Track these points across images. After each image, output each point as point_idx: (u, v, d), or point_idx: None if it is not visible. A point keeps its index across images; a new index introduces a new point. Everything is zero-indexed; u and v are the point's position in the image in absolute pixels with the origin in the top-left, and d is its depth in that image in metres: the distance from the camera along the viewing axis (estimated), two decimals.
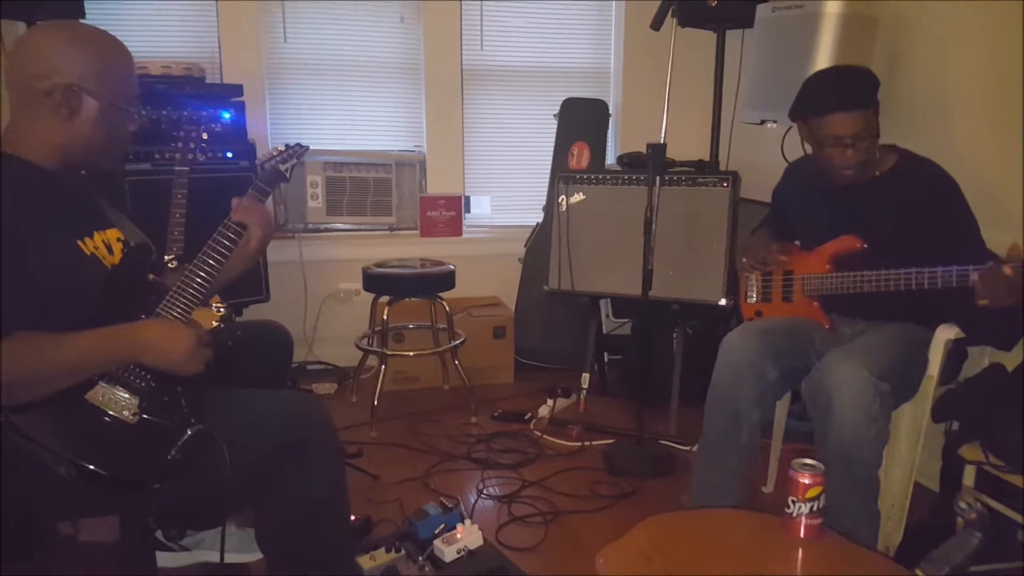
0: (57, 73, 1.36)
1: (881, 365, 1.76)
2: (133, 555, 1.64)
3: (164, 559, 1.91)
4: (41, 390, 1.26)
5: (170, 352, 1.35)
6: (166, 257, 2.34)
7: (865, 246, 2.00)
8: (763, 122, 2.93)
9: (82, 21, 2.79)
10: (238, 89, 3.13)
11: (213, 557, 1.93)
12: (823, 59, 2.60)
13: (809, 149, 2.07)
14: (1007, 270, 1.64)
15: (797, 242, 2.22)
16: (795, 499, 1.35)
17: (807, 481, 1.34)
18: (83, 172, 1.50)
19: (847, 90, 1.94)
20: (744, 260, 2.27)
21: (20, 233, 1.28)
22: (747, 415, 1.98)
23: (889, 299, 1.90)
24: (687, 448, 2.70)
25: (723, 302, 2.71)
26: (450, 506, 2.07)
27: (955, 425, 1.91)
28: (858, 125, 1.90)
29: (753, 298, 2.29)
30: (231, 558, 1.92)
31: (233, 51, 3.37)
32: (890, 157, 2.02)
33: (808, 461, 1.36)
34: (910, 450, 1.92)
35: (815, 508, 1.34)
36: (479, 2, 3.63)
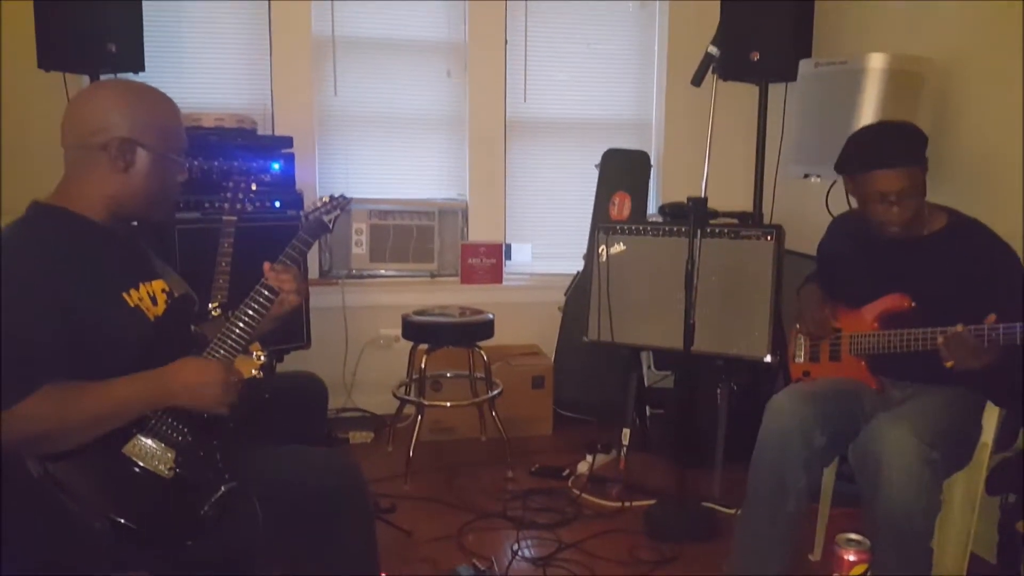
0: (112, 128, 1.41)
1: (931, 431, 1.69)
2: None
3: None
4: (77, 439, 1.28)
5: (199, 386, 1.37)
6: (210, 305, 2.39)
7: (913, 305, 1.94)
8: (807, 176, 2.90)
9: (136, 77, 2.92)
10: (288, 141, 3.22)
11: None
12: (867, 115, 2.57)
13: (855, 203, 2.03)
14: (963, 332, 1.68)
15: (842, 301, 2.16)
16: None
17: (852, 559, 1.28)
18: (134, 223, 1.55)
19: (892, 146, 1.92)
20: (798, 326, 2.22)
21: (64, 283, 1.32)
22: (794, 482, 1.91)
23: (940, 361, 1.83)
24: (731, 511, 2.61)
25: (768, 359, 2.64)
26: (483, 568, 2.03)
27: (1011, 498, 1.81)
28: (903, 182, 1.86)
29: (801, 358, 2.23)
30: None
31: (285, 104, 3.49)
32: (940, 217, 1.97)
33: (853, 536, 1.30)
34: (964, 521, 1.83)
35: None
36: (523, 57, 3.69)
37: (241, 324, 1.50)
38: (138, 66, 2.92)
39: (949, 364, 1.74)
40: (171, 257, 2.81)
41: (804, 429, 1.89)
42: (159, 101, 1.49)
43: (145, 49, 2.92)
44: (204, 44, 3.43)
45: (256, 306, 1.52)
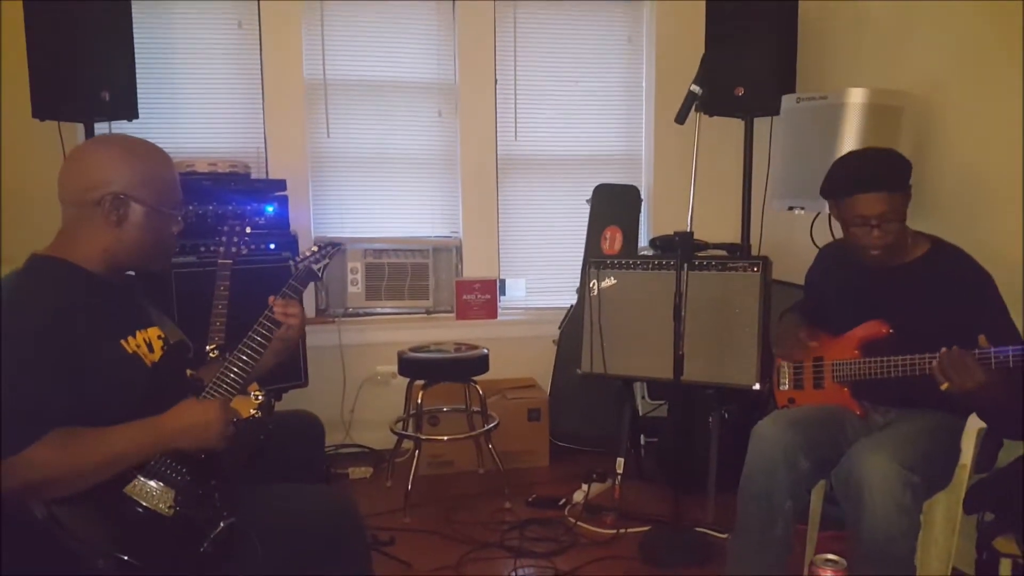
0: (105, 184, 1.45)
1: (911, 456, 1.73)
2: None
3: None
4: (80, 484, 1.32)
5: (198, 427, 1.41)
6: (208, 347, 2.43)
7: (891, 332, 1.99)
8: (791, 208, 2.97)
9: (130, 124, 2.96)
10: (281, 184, 3.29)
11: None
12: (847, 148, 2.64)
13: (839, 232, 2.09)
14: (961, 351, 1.69)
15: (827, 328, 2.22)
16: None
17: None
18: (130, 273, 1.59)
19: (875, 170, 1.98)
20: (776, 352, 2.27)
21: (64, 333, 1.36)
22: (780, 506, 1.95)
23: (920, 386, 1.88)
24: (724, 536, 2.63)
25: (757, 386, 2.69)
26: None
27: (988, 516, 1.85)
28: (883, 206, 1.92)
29: (785, 386, 2.28)
30: None
31: (278, 146, 3.55)
32: (922, 244, 2.03)
33: (831, 557, 1.35)
34: (946, 539, 1.87)
35: None
36: (513, 95, 3.79)
37: (241, 361, 1.54)
38: (132, 114, 2.96)
39: (944, 386, 1.74)
40: (168, 300, 2.86)
41: (788, 455, 1.93)
42: (152, 156, 1.53)
43: (138, 97, 2.97)
44: (197, 90, 3.49)
45: (255, 344, 1.57)
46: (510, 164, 3.85)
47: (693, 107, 2.89)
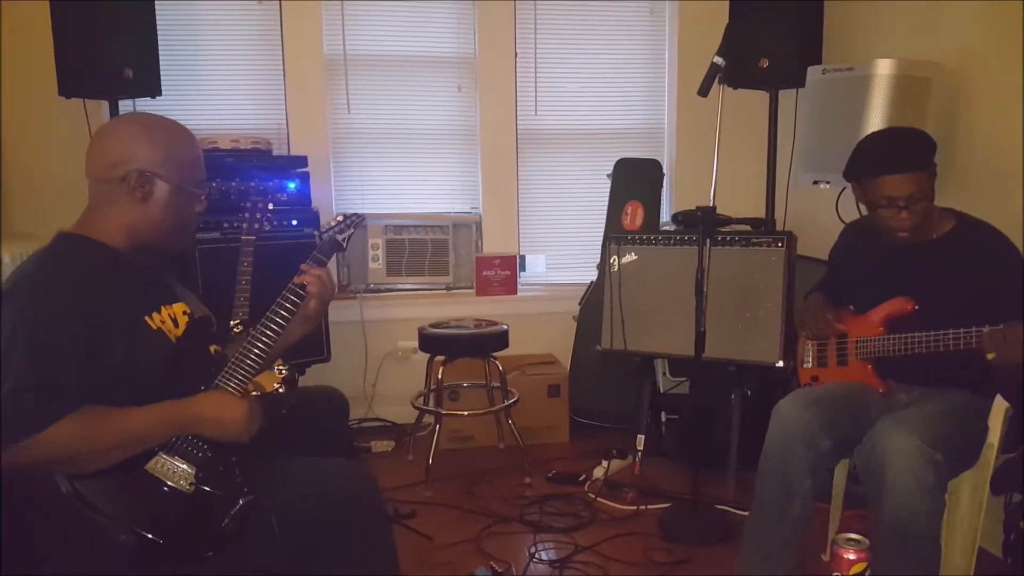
0: (130, 161, 1.47)
1: (934, 434, 1.71)
2: None
3: None
4: (103, 461, 1.35)
5: (223, 422, 1.43)
6: (232, 322, 2.47)
7: (916, 308, 1.96)
8: (816, 183, 2.92)
9: (153, 102, 2.99)
10: (303, 160, 3.30)
11: None
12: (874, 121, 2.59)
13: (864, 210, 2.06)
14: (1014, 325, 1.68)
15: (851, 306, 2.19)
16: (840, 575, 1.32)
17: (851, 557, 1.32)
18: (153, 252, 1.59)
19: (900, 152, 1.94)
20: (802, 333, 2.25)
21: (90, 310, 1.38)
22: (799, 485, 1.94)
23: (946, 365, 1.85)
24: (745, 513, 2.62)
25: (780, 364, 2.67)
26: (501, 570, 2.08)
27: (1016, 497, 1.83)
28: (911, 187, 1.88)
29: (809, 363, 2.26)
30: None
31: (299, 123, 3.56)
32: (948, 220, 1.99)
33: (853, 536, 1.34)
34: (972, 519, 1.85)
35: None
36: (533, 69, 3.74)
37: (261, 343, 1.54)
38: (155, 91, 2.99)
39: (991, 356, 1.75)
40: (192, 277, 2.90)
41: (808, 433, 1.92)
42: (176, 133, 1.55)
43: (161, 74, 3.00)
44: (219, 67, 3.51)
45: (283, 312, 1.57)
46: (530, 139, 3.82)
47: (716, 79, 2.84)
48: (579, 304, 3.60)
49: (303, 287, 1.61)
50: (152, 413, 1.39)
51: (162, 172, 1.49)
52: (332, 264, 2.34)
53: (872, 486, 1.77)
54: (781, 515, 1.97)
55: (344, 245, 1.76)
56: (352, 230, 1.77)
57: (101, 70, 2.87)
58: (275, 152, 3.39)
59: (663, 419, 3.38)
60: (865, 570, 1.32)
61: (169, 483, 1.39)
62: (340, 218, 1.76)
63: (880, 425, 1.83)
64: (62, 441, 1.30)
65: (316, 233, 1.79)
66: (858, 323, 2.12)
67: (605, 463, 3.00)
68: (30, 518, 1.42)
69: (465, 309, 3.51)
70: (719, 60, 2.66)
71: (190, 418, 1.42)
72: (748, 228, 3.19)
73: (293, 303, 1.59)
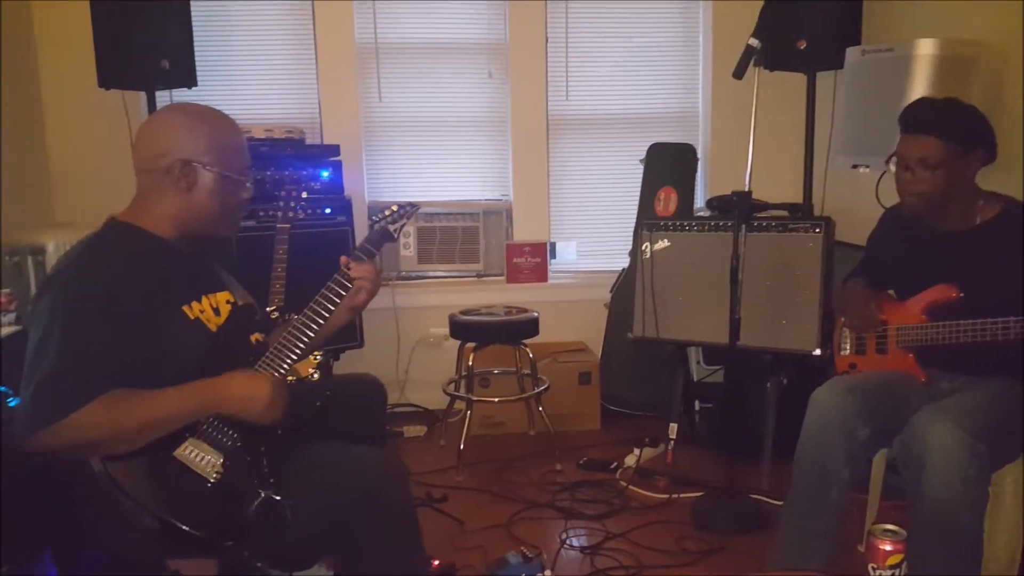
0: (174, 151, 1.49)
1: (978, 424, 1.66)
2: None
3: None
4: (128, 445, 1.36)
5: (247, 399, 1.44)
6: (268, 309, 2.50)
7: (961, 295, 1.91)
8: (855, 167, 2.85)
9: (189, 92, 3.05)
10: (335, 149, 3.32)
11: None
12: None
13: None
14: None
15: (891, 291, 2.14)
16: (875, 567, 1.30)
17: (888, 548, 1.29)
18: (200, 240, 1.60)
19: (920, 112, 1.92)
20: (842, 320, 2.21)
21: (128, 298, 1.40)
22: (836, 475, 1.90)
23: (990, 353, 1.80)
24: (779, 503, 2.59)
25: (817, 352, 2.62)
26: (531, 556, 2.08)
27: None
28: (921, 150, 1.84)
29: (847, 350, 2.22)
30: None
31: (332, 112, 3.59)
32: (994, 205, 1.93)
33: (889, 527, 1.31)
34: (1015, 513, 1.80)
35: None
36: (564, 54, 3.71)
37: (309, 328, 1.55)
38: (191, 82, 3.04)
39: None
40: (235, 269, 2.94)
41: (846, 422, 1.88)
42: (219, 122, 1.55)
43: (197, 65, 3.04)
44: (253, 57, 3.55)
45: (327, 304, 1.58)
46: (561, 124, 3.79)
47: (752, 61, 2.79)
48: (610, 291, 3.58)
49: (349, 279, 1.61)
50: (176, 393, 1.40)
51: (205, 161, 1.50)
52: None
53: (912, 477, 1.74)
54: (817, 505, 1.94)
55: (396, 236, 1.74)
56: (405, 220, 1.75)
57: (138, 62, 2.93)
58: (308, 141, 3.42)
59: (696, 407, 3.35)
60: (902, 562, 1.29)
61: (195, 470, 1.40)
62: (394, 208, 1.75)
63: (921, 414, 1.79)
64: (92, 423, 1.32)
65: (370, 221, 1.76)
66: (899, 310, 2.07)
67: (637, 451, 2.99)
68: (70, 496, 1.46)
69: (495, 296, 3.51)
70: (755, 42, 2.61)
71: (215, 396, 1.43)
72: (785, 214, 3.14)
73: (338, 294, 1.59)
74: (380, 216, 1.74)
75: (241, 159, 1.56)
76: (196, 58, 3.05)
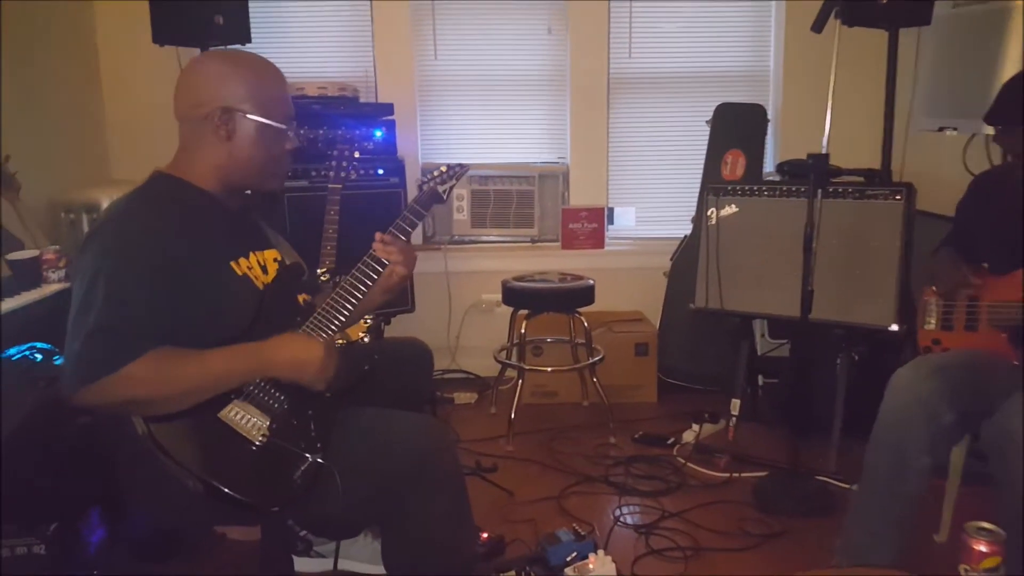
0: (214, 99, 1.43)
1: None
2: (272, 557, 1.72)
3: (301, 564, 1.98)
4: (174, 406, 1.32)
5: (299, 363, 1.39)
6: (319, 271, 2.46)
7: None
8: (942, 129, 2.65)
9: (243, 48, 2.99)
10: (389, 108, 3.24)
11: (349, 565, 1.98)
12: (1014, 61, 2.31)
13: (998, 159, 1.82)
14: None
15: (985, 264, 1.97)
16: (968, 568, 1.17)
17: (983, 550, 1.16)
18: (247, 193, 1.56)
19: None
20: (933, 288, 2.04)
21: (173, 253, 1.35)
22: (914, 461, 1.76)
23: None
24: (848, 486, 2.46)
25: (895, 327, 2.46)
26: (583, 533, 2.01)
27: None
28: None
29: (932, 324, 2.05)
30: (362, 568, 1.95)
31: (387, 70, 3.51)
32: None
33: (985, 525, 1.18)
34: None
35: None
36: (628, 8, 3.53)
37: (350, 300, 1.52)
38: (244, 38, 3.00)
39: None
40: (282, 225, 2.92)
41: (929, 405, 1.74)
42: (260, 69, 1.48)
43: (251, 21, 3.00)
44: (307, 13, 3.49)
45: (363, 278, 1.55)
46: (623, 83, 3.63)
47: (833, 14, 2.59)
48: (671, 260, 3.44)
49: (381, 262, 1.56)
50: (228, 355, 1.35)
51: (246, 108, 1.44)
52: None
53: (1002, 467, 1.60)
54: (892, 493, 1.81)
55: (445, 197, 1.70)
56: (454, 181, 1.71)
57: (192, 17, 2.90)
58: (362, 100, 3.35)
59: (759, 382, 3.21)
60: (999, 566, 1.16)
61: (241, 433, 1.36)
62: (444, 168, 1.70)
63: (1014, 400, 1.64)
64: (137, 382, 1.27)
65: (418, 183, 1.71)
66: (994, 285, 1.90)
67: (696, 426, 2.87)
68: (116, 457, 1.44)
69: (550, 263, 3.41)
70: None
71: (266, 360, 1.38)
72: (861, 180, 2.94)
73: (370, 277, 1.55)
74: (429, 176, 1.69)
75: (283, 108, 1.50)
76: (250, 13, 3.01)
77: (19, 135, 2.62)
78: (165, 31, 2.93)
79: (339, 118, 3.00)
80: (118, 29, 3.32)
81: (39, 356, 1.90)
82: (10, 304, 1.95)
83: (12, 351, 1.89)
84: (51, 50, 3.09)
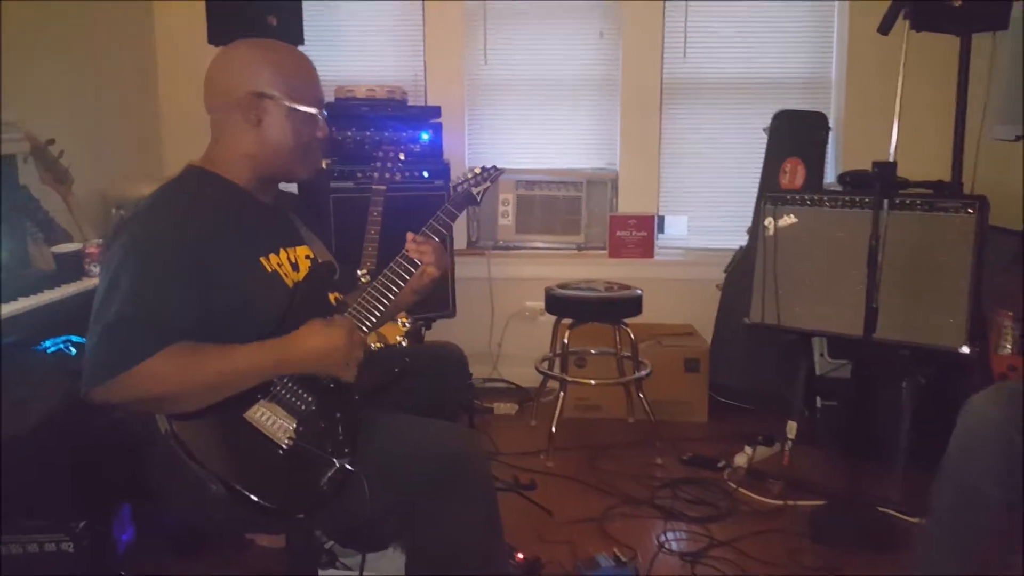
0: (241, 85, 1.41)
1: None
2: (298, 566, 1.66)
3: None
4: (197, 402, 1.27)
5: (324, 350, 1.34)
6: (359, 271, 2.43)
7: None
8: (1018, 138, 2.49)
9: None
10: (436, 111, 3.22)
11: None
12: None
13: None
14: None
15: None
16: None
17: None
18: (278, 184, 1.54)
19: None
20: (1005, 314, 1.89)
21: (201, 246, 1.32)
22: (987, 494, 1.61)
23: None
24: (911, 519, 2.30)
25: (965, 349, 2.29)
26: (624, 559, 1.91)
27: None
28: None
29: (1007, 349, 1.91)
30: None
31: (437, 73, 3.49)
32: None
33: None
34: None
35: None
36: (683, 10, 3.43)
37: (382, 300, 1.49)
38: (297, 39, 2.99)
39: None
40: (326, 226, 2.90)
41: (1003, 432, 1.59)
42: (285, 53, 1.47)
43: (304, 22, 2.99)
44: (360, 16, 3.49)
45: (395, 278, 1.52)
46: (676, 88, 3.53)
47: (901, 15, 2.46)
48: (724, 272, 3.31)
49: (413, 262, 1.55)
50: (249, 350, 1.30)
51: (273, 93, 1.42)
52: (462, 218, 2.26)
53: None
54: (961, 527, 1.66)
55: (479, 199, 1.70)
56: (488, 184, 1.71)
57: (247, 18, 2.90)
58: (411, 103, 3.33)
59: (818, 405, 3.05)
60: None
61: (266, 434, 1.30)
62: (477, 170, 1.70)
63: None
64: (160, 375, 1.23)
65: (451, 185, 1.71)
66: None
67: (749, 449, 2.73)
68: (145, 454, 1.39)
69: (596, 271, 3.33)
70: None
71: (289, 354, 1.32)
72: (929, 192, 2.78)
73: (402, 276, 1.53)
74: (463, 179, 1.70)
75: (313, 93, 1.47)
76: (304, 15, 3.01)
77: (75, 129, 2.66)
78: (221, 31, 2.95)
79: (386, 120, 2.99)
80: (175, 29, 3.39)
81: (74, 350, 1.89)
82: (51, 296, 1.94)
83: (47, 343, 1.88)
84: (110, 48, 3.15)
